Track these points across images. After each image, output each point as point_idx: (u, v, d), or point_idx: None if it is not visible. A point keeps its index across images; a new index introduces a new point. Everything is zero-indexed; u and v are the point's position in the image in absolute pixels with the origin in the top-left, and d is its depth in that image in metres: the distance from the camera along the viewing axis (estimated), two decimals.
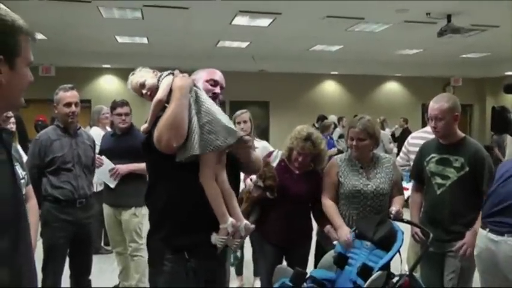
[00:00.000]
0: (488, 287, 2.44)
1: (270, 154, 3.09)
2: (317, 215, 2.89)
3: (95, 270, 3.25)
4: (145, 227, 2.21)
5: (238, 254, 2.39)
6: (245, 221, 1.89)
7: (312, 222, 2.94)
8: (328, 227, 2.73)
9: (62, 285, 3.04)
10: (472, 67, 11.53)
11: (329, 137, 7.81)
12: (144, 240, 3.50)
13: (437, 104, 2.66)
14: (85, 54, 9.55)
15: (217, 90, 2.08)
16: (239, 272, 4.16)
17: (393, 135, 9.57)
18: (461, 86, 12.41)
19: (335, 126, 9.45)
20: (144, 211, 3.58)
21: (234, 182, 2.05)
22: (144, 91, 1.90)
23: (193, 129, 1.79)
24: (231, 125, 1.89)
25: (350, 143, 2.73)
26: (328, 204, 2.76)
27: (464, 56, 10.26)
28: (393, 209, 2.61)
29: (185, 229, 1.86)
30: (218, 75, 2.11)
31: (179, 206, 1.87)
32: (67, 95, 2.96)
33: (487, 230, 2.36)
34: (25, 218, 1.13)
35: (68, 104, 2.94)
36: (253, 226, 1.92)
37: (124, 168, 3.45)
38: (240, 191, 2.83)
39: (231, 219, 1.82)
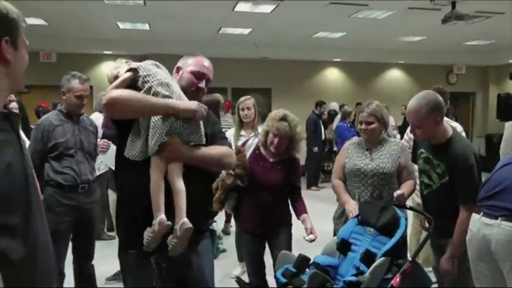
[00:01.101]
0: (479, 275, 2.41)
1: (244, 143, 3.13)
2: (294, 203, 2.90)
3: (97, 255, 3.27)
4: None
5: (221, 246, 2.36)
6: (183, 220, 1.75)
7: (290, 208, 2.94)
8: (303, 215, 2.81)
9: (65, 271, 3.05)
10: (476, 55, 11.42)
11: (349, 125, 7.60)
12: None
13: (412, 108, 2.41)
14: (86, 40, 9.48)
15: (202, 84, 2.00)
16: (241, 259, 4.18)
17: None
18: (464, 73, 12.33)
19: (336, 114, 9.42)
20: None
21: (205, 180, 2.00)
22: None
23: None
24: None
25: (360, 127, 2.86)
26: (335, 183, 2.94)
27: (467, 43, 10.16)
28: (397, 192, 2.63)
29: (140, 223, 1.81)
30: (206, 67, 2.01)
31: (134, 197, 1.86)
32: (81, 87, 2.96)
33: (481, 214, 2.33)
34: (37, 193, 1.19)
35: (80, 97, 2.96)
36: (190, 226, 1.74)
37: None
38: (218, 179, 2.86)
39: (160, 217, 1.74)
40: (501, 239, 2.23)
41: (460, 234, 2.40)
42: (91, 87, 9.93)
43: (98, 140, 3.37)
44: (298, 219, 2.83)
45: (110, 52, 10.49)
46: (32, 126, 3.52)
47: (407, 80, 12.56)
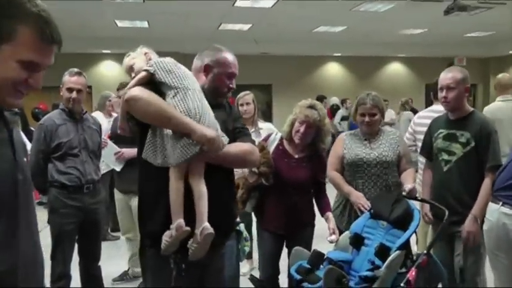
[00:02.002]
0: (498, 264, 2.39)
1: (267, 138, 2.94)
2: (318, 200, 2.80)
3: (103, 256, 3.20)
4: None
5: (247, 248, 2.20)
6: (204, 225, 1.68)
7: (314, 208, 2.82)
8: (328, 213, 2.70)
9: (72, 273, 3.00)
10: (476, 46, 11.41)
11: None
12: None
13: (450, 73, 2.62)
14: (84, 39, 9.41)
15: (233, 84, 1.95)
16: (249, 256, 4.13)
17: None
18: (465, 65, 12.27)
19: (338, 108, 9.38)
20: None
21: (228, 180, 1.93)
22: (133, 74, 1.83)
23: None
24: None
25: (361, 119, 2.78)
26: (333, 175, 2.82)
27: (468, 35, 10.13)
28: (408, 186, 2.58)
29: (159, 223, 1.75)
30: (235, 66, 1.94)
31: (153, 197, 1.80)
32: (71, 80, 2.89)
33: (500, 203, 2.29)
34: (28, 201, 1.08)
35: (70, 90, 2.87)
36: (211, 231, 1.68)
37: (129, 152, 3.39)
38: (237, 177, 2.71)
39: (177, 221, 1.68)
40: None
41: (485, 196, 2.47)
42: (90, 87, 9.93)
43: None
44: (322, 216, 2.73)
45: (108, 51, 10.45)
46: (32, 129, 3.46)
47: (408, 73, 12.55)
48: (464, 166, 2.57)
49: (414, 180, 2.78)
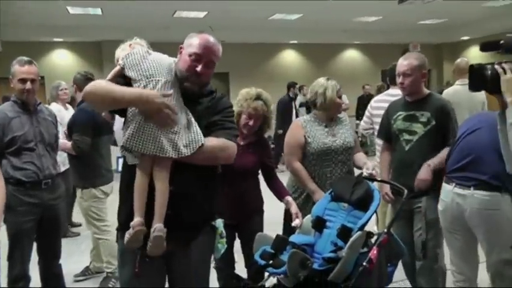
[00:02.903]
0: (453, 242, 2.52)
1: None
2: (272, 185, 2.76)
3: (63, 254, 3.10)
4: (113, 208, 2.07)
5: (221, 246, 2.04)
6: (155, 226, 1.69)
7: (262, 195, 2.81)
8: (287, 197, 2.68)
9: (30, 272, 2.88)
10: (430, 33, 11.80)
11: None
12: (108, 222, 3.43)
13: (406, 60, 2.74)
14: (34, 27, 8.95)
15: (200, 68, 1.78)
16: None
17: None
18: (419, 51, 12.67)
19: (296, 95, 9.47)
20: (99, 193, 3.46)
21: (203, 176, 1.84)
22: None
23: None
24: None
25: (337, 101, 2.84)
26: (297, 167, 2.80)
27: (422, 22, 10.46)
28: (368, 167, 2.66)
29: (129, 213, 1.76)
30: (206, 47, 1.78)
31: (125, 187, 1.82)
32: (22, 69, 2.71)
33: (453, 185, 2.42)
34: None
35: (23, 80, 2.71)
36: (159, 234, 1.68)
37: (61, 144, 3.28)
38: None
39: (135, 220, 1.70)
40: (475, 208, 2.32)
41: (440, 160, 2.62)
42: (42, 77, 9.54)
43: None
44: (281, 201, 2.71)
45: (60, 39, 10.00)
46: None
47: (364, 60, 12.81)
48: (426, 144, 2.70)
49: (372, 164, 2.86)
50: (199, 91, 1.84)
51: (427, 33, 11.81)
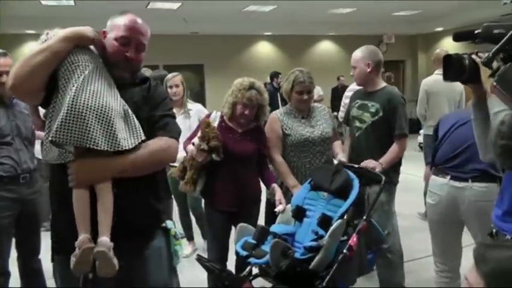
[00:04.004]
0: (439, 237, 2.55)
1: (208, 115, 2.89)
2: (262, 172, 2.82)
3: (42, 249, 3.05)
4: None
5: (179, 249, 1.92)
6: (101, 239, 1.47)
7: (260, 184, 2.85)
8: (273, 185, 2.74)
9: (10, 269, 2.82)
10: (404, 24, 11.97)
11: None
12: None
13: (354, 54, 2.96)
14: (4, 18, 8.64)
15: (131, 52, 1.62)
16: (190, 238, 4.15)
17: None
18: (393, 42, 12.90)
19: (279, 85, 9.46)
20: None
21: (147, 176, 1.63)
22: None
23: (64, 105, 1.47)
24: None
25: (299, 97, 2.84)
26: (279, 161, 2.84)
27: (396, 13, 10.60)
28: (340, 158, 2.73)
29: (64, 227, 1.55)
30: (133, 28, 1.62)
31: (57, 200, 1.61)
32: None
33: (448, 177, 2.42)
34: None
35: None
36: (102, 249, 1.45)
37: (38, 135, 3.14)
38: (182, 160, 2.69)
39: (81, 237, 1.46)
40: (473, 200, 2.34)
41: (391, 159, 2.75)
42: None
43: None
44: (268, 188, 2.77)
45: (32, 31, 9.69)
46: None
47: (339, 51, 12.92)
48: (371, 133, 2.86)
49: (343, 150, 2.99)
50: (131, 78, 1.68)
51: (402, 25, 11.98)
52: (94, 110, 1.47)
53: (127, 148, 1.51)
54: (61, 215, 1.58)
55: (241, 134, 2.73)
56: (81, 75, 1.51)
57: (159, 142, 1.63)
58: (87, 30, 1.61)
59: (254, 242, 2.31)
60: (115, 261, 1.48)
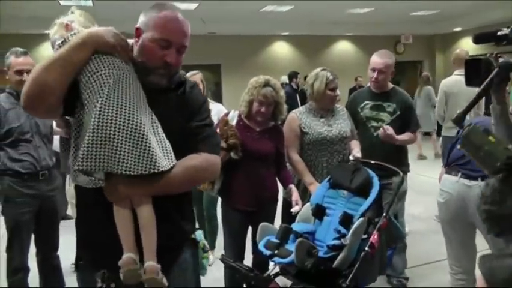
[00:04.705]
0: (452, 235, 2.50)
1: (226, 114, 2.88)
2: (280, 172, 2.80)
3: (60, 246, 3.06)
4: None
5: (206, 261, 1.83)
6: (148, 264, 1.36)
7: (278, 183, 2.82)
8: (291, 186, 2.73)
9: (29, 264, 2.86)
10: (422, 24, 11.80)
11: None
12: None
13: (382, 59, 3.04)
14: (23, 19, 8.80)
15: (171, 57, 1.39)
16: (212, 246, 3.95)
17: None
18: (411, 43, 12.73)
19: (298, 86, 9.44)
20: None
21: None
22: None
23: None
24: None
25: (333, 94, 2.87)
26: (296, 160, 2.83)
27: (414, 13, 10.47)
28: (356, 155, 2.71)
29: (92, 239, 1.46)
30: (178, 30, 1.40)
31: (88, 213, 1.47)
32: (18, 61, 2.70)
33: (459, 175, 2.38)
34: None
35: (19, 72, 2.70)
36: (152, 277, 1.36)
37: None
38: None
39: (124, 256, 1.34)
40: None
41: (405, 138, 3.02)
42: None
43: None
44: (285, 188, 2.76)
45: (50, 31, 9.87)
46: None
47: (356, 52, 12.81)
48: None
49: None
50: (167, 84, 1.46)
51: (419, 25, 11.82)
52: (123, 128, 1.27)
53: (164, 170, 1.32)
54: (88, 227, 1.47)
55: (259, 133, 2.72)
56: (105, 86, 1.30)
57: (199, 159, 1.44)
58: (107, 33, 1.36)
59: (277, 241, 2.30)
60: (165, 280, 1.39)
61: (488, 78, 1.34)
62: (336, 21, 10.93)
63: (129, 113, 1.29)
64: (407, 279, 3.25)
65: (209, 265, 1.73)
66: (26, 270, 2.84)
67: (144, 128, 1.30)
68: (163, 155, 1.33)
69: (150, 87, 1.40)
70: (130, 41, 1.46)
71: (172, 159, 1.36)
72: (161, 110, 1.40)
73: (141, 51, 1.40)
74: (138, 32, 1.42)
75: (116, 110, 1.28)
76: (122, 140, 1.27)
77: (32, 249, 2.93)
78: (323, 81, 2.83)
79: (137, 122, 1.29)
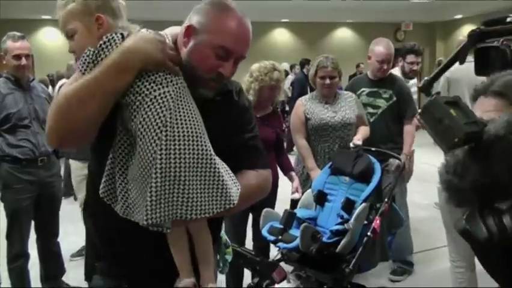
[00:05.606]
0: (457, 237, 2.41)
1: None
2: (279, 158, 2.78)
3: (60, 233, 3.07)
4: None
5: (229, 257, 1.75)
6: (209, 285, 1.20)
7: (278, 169, 2.79)
8: (291, 173, 2.75)
9: (29, 251, 2.86)
10: (422, 12, 11.71)
11: None
12: None
13: (388, 50, 3.11)
14: (21, 4, 8.69)
15: (226, 69, 1.15)
16: None
17: None
18: (411, 30, 12.66)
19: (287, 74, 9.39)
20: None
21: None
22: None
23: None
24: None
25: (322, 82, 2.82)
26: (302, 145, 2.85)
27: (414, 1, 10.37)
28: (356, 142, 2.69)
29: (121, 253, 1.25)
30: (239, 39, 1.17)
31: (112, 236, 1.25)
32: (16, 45, 2.67)
33: None
34: None
35: (17, 56, 2.67)
36: None
37: None
38: None
39: (183, 281, 1.18)
40: None
41: (410, 137, 3.11)
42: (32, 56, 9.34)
43: None
44: (286, 175, 2.76)
45: (49, 17, 9.77)
46: None
47: (356, 39, 12.75)
48: (388, 116, 3.11)
49: (367, 135, 2.92)
50: (214, 95, 1.23)
51: (419, 12, 11.72)
52: (194, 164, 1.07)
53: (236, 203, 1.14)
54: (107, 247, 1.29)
55: (259, 119, 2.67)
56: (166, 110, 1.05)
57: (258, 178, 1.30)
58: (153, 49, 1.08)
59: (280, 226, 2.29)
60: None
61: (458, 49, 1.32)
62: (336, 8, 10.84)
63: (197, 144, 1.08)
64: (411, 264, 3.25)
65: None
66: (26, 256, 2.83)
67: (215, 159, 1.11)
68: (231, 182, 1.16)
69: (195, 96, 1.16)
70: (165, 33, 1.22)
71: (237, 184, 1.18)
72: (210, 125, 1.16)
73: (192, 55, 1.15)
74: (190, 31, 1.15)
75: (184, 142, 1.06)
76: (194, 178, 1.07)
77: (32, 236, 2.93)
78: (314, 67, 2.86)
79: (207, 154, 1.09)
